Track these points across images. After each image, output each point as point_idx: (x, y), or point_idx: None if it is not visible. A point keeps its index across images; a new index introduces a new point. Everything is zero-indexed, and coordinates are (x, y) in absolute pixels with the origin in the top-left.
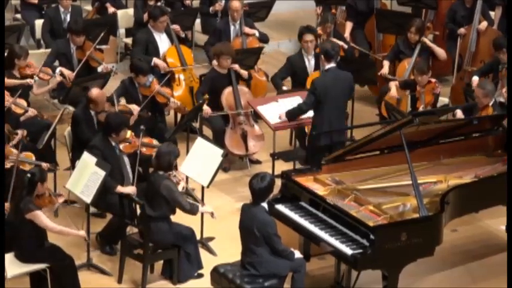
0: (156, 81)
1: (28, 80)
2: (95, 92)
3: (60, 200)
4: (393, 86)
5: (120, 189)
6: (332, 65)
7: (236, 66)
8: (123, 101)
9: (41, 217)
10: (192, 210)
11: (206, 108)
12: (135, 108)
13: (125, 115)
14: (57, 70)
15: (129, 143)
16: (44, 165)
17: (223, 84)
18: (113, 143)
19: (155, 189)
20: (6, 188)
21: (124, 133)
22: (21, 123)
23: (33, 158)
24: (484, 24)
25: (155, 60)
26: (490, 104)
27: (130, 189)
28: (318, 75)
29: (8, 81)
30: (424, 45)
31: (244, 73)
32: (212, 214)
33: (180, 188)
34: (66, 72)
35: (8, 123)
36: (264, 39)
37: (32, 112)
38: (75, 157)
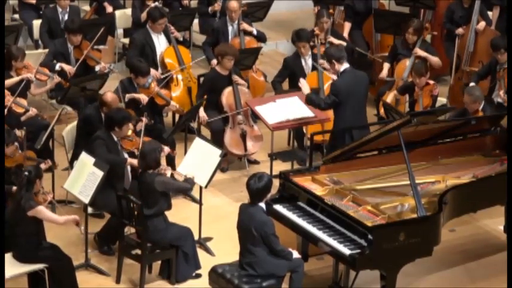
0: (155, 83)
1: (28, 75)
2: (110, 96)
3: (49, 196)
4: (391, 95)
5: (131, 160)
6: (346, 65)
7: (238, 79)
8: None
9: (43, 211)
10: (192, 186)
11: (203, 116)
12: (144, 98)
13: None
14: (57, 66)
15: (130, 140)
16: (43, 166)
17: (224, 84)
18: (115, 139)
19: (149, 188)
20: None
21: (126, 128)
22: (22, 122)
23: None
24: (482, 24)
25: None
26: (480, 108)
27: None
28: (314, 76)
29: (8, 81)
30: (418, 56)
31: (243, 83)
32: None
33: (168, 175)
34: (67, 67)
35: (7, 124)
36: (261, 36)
37: (32, 111)
38: (77, 156)
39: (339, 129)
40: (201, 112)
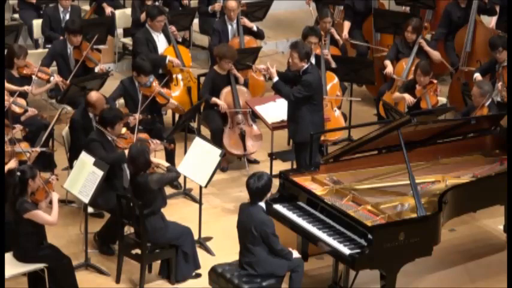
0: (156, 82)
1: (26, 88)
2: (94, 95)
3: (53, 182)
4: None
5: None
6: (308, 63)
7: (235, 71)
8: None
9: (39, 215)
10: (178, 174)
11: (222, 104)
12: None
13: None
14: (52, 78)
15: (125, 138)
16: (38, 149)
17: (223, 84)
18: (110, 138)
19: (145, 189)
20: None
21: (119, 127)
22: (22, 122)
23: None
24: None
25: (169, 57)
26: (486, 104)
27: None
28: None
29: (6, 86)
30: (419, 52)
31: (241, 78)
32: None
33: (164, 165)
34: (60, 79)
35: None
36: (260, 33)
37: (31, 111)
38: (72, 157)
39: (318, 127)
40: (219, 101)
